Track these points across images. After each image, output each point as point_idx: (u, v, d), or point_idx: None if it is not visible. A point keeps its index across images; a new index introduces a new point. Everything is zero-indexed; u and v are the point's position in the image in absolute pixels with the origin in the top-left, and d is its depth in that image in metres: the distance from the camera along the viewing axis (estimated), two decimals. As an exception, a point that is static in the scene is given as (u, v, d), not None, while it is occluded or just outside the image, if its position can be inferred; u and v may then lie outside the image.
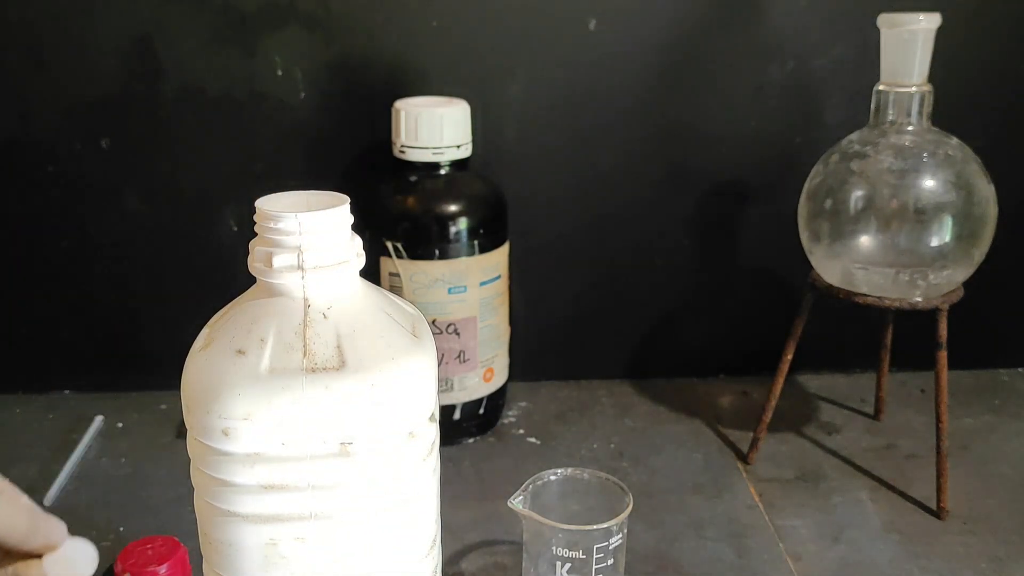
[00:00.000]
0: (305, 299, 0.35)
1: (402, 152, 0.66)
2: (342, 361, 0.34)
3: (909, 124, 0.61)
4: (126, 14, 0.69)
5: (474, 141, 0.68)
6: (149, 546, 0.44)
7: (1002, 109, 0.76)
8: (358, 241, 0.37)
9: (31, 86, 0.71)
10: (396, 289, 0.66)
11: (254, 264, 0.36)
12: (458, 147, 0.66)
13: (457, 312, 0.66)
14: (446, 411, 0.69)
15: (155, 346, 0.77)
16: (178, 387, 0.35)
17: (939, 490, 0.61)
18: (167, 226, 0.75)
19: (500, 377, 0.71)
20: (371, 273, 0.66)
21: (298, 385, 0.33)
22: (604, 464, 0.68)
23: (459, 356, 0.67)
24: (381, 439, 0.35)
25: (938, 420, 0.61)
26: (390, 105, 0.67)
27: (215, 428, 0.33)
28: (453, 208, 0.66)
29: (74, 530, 0.39)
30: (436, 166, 0.66)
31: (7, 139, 0.72)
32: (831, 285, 0.63)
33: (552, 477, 0.52)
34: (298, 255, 0.35)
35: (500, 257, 0.68)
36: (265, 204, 0.36)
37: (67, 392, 0.78)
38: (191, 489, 0.37)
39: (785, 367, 0.66)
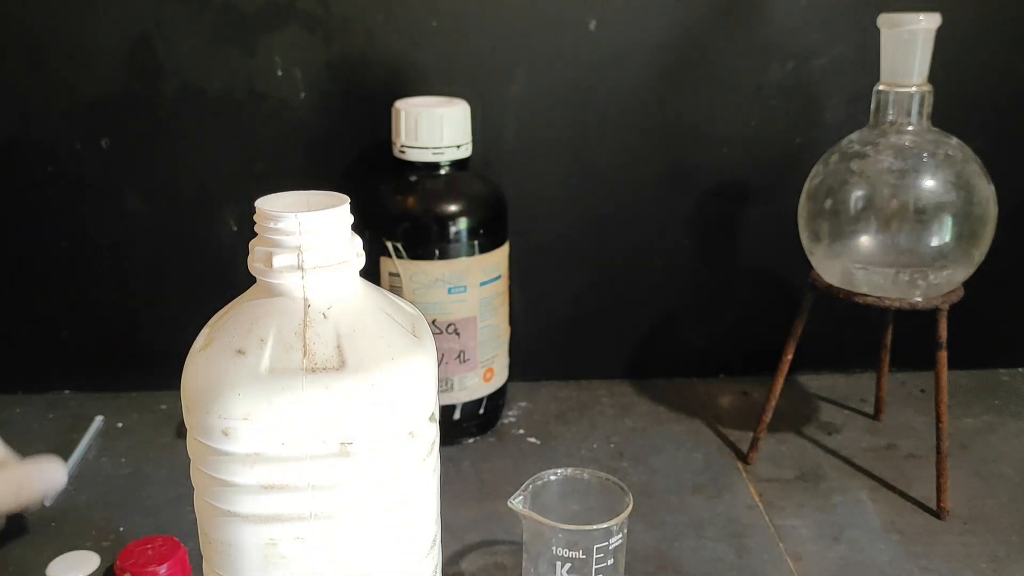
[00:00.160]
0: (305, 299, 0.35)
1: (402, 152, 0.66)
2: (342, 361, 0.34)
3: (909, 124, 0.61)
4: (126, 14, 0.70)
5: (474, 141, 0.68)
6: (149, 546, 0.44)
7: (1002, 109, 0.76)
8: (358, 241, 0.37)
9: (31, 86, 0.71)
10: (396, 289, 0.66)
11: (254, 264, 0.36)
12: (458, 147, 0.66)
13: (457, 312, 0.66)
14: (446, 411, 0.69)
15: (155, 346, 0.77)
16: (178, 387, 0.35)
17: (939, 490, 0.61)
18: (167, 226, 0.75)
19: (500, 377, 0.71)
20: (371, 273, 0.66)
21: (298, 385, 0.33)
22: (604, 464, 0.68)
23: (459, 356, 0.67)
24: (381, 439, 0.35)
25: (938, 420, 0.61)
26: (390, 105, 0.67)
27: (215, 428, 0.34)
28: (453, 208, 0.66)
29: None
30: (436, 166, 0.66)
31: (7, 139, 0.72)
32: (831, 285, 0.63)
33: (552, 477, 0.52)
34: (298, 255, 0.35)
35: (500, 257, 0.68)
36: (265, 204, 0.36)
37: (67, 392, 0.78)
38: (191, 489, 0.37)
39: (785, 367, 0.66)
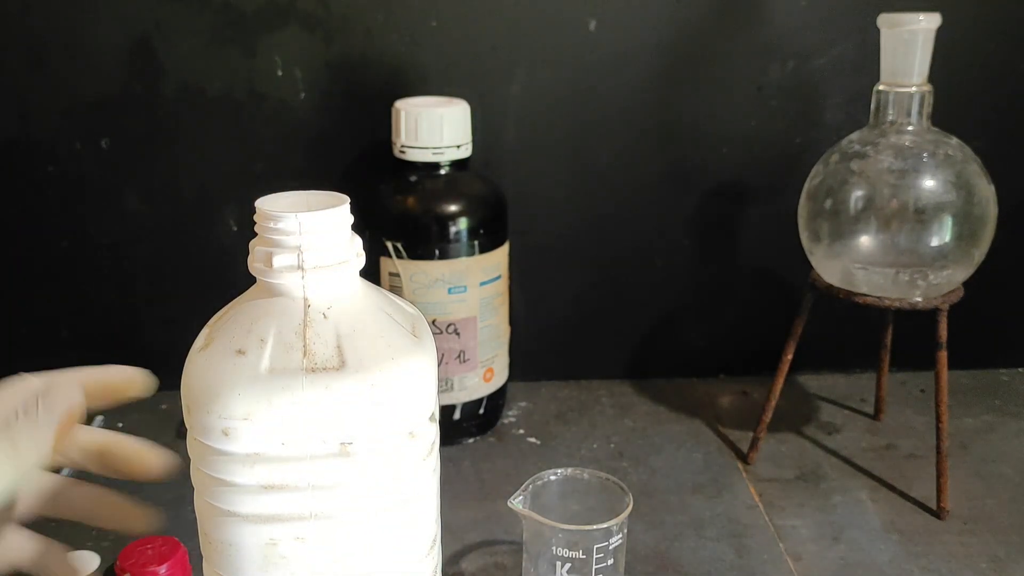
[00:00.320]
0: (305, 299, 0.35)
1: (402, 152, 0.66)
2: (342, 361, 0.34)
3: (909, 124, 0.61)
4: (126, 14, 0.69)
5: (474, 141, 0.68)
6: (149, 546, 0.44)
7: (1002, 109, 0.76)
8: (358, 241, 0.37)
9: (31, 86, 0.71)
10: (396, 289, 0.66)
11: (254, 264, 0.36)
12: (458, 147, 0.66)
13: (457, 312, 0.66)
14: (446, 411, 0.69)
15: (155, 346, 0.77)
16: (178, 387, 0.35)
17: (939, 490, 0.61)
18: (167, 226, 0.75)
19: (500, 377, 0.71)
20: (371, 273, 0.66)
21: (298, 385, 0.33)
22: (604, 464, 0.68)
23: (459, 356, 0.67)
24: (381, 439, 0.35)
25: (938, 420, 0.61)
26: (390, 105, 0.67)
27: (215, 428, 0.33)
28: (453, 208, 0.66)
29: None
30: (436, 166, 0.66)
31: (7, 139, 0.72)
32: (831, 285, 0.63)
33: (552, 477, 0.52)
34: (298, 255, 0.35)
35: (500, 257, 0.68)
36: (265, 204, 0.36)
37: (67, 392, 0.78)
38: (191, 489, 0.37)
39: (785, 367, 0.66)
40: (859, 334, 0.77)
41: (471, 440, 0.71)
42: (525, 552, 0.51)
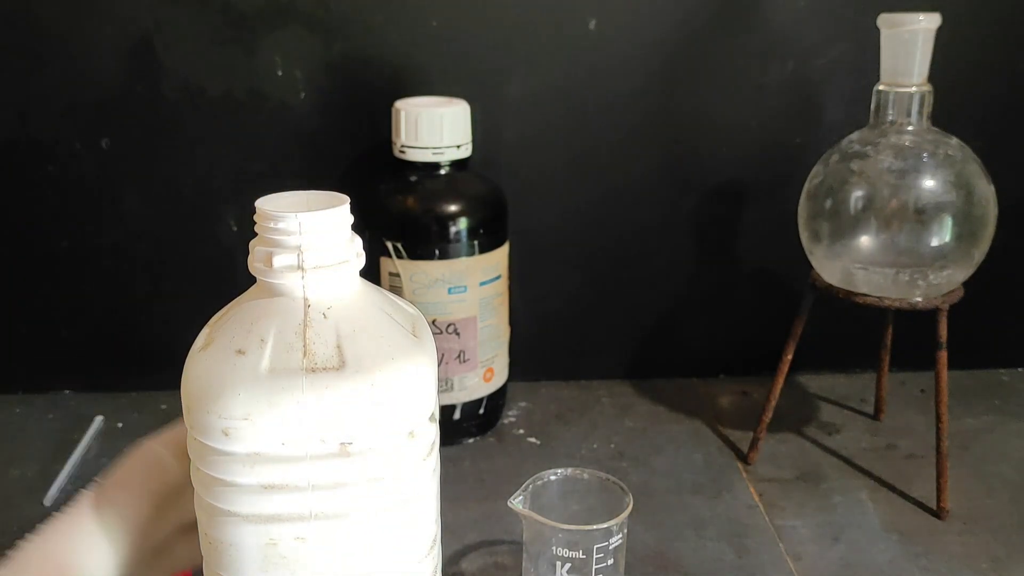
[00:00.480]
0: (305, 299, 0.35)
1: (402, 152, 0.66)
2: (342, 361, 0.34)
3: (909, 124, 0.61)
4: (126, 14, 0.69)
5: (474, 141, 0.68)
6: None
7: (1002, 109, 0.76)
8: (358, 241, 0.37)
9: (31, 86, 0.71)
10: (396, 289, 0.66)
11: (254, 264, 0.36)
12: (458, 147, 0.66)
13: (457, 312, 0.66)
14: (446, 411, 0.69)
15: (155, 346, 0.77)
16: (178, 387, 0.35)
17: (939, 490, 0.61)
18: (167, 226, 0.75)
19: (500, 377, 0.71)
20: (371, 273, 0.66)
21: (298, 385, 0.33)
22: (604, 464, 0.68)
23: (459, 356, 0.67)
24: (381, 439, 0.35)
25: (938, 420, 0.61)
26: (390, 105, 0.67)
27: (215, 428, 0.33)
28: (453, 208, 0.66)
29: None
30: (436, 166, 0.66)
31: (7, 139, 0.72)
32: (831, 285, 0.63)
33: (552, 477, 0.52)
34: (298, 255, 0.35)
35: (500, 257, 0.68)
36: (265, 204, 0.36)
37: (67, 392, 0.78)
38: (190, 489, 0.37)
39: (785, 367, 0.66)
40: (859, 334, 0.77)
41: (471, 440, 0.71)
42: (525, 552, 0.51)
